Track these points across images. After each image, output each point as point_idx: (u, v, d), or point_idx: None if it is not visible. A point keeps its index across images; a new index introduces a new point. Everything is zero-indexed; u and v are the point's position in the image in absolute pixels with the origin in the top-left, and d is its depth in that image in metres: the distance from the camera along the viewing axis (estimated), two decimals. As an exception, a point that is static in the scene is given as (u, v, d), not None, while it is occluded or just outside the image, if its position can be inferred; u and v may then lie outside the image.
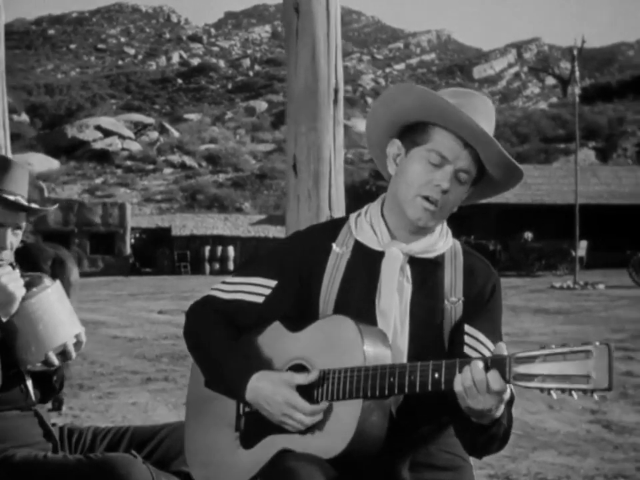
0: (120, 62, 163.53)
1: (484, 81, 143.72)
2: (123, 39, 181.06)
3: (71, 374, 8.71)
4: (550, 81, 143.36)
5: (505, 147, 2.33)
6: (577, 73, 26.19)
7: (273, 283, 2.21)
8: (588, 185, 35.75)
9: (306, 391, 2.04)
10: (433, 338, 2.14)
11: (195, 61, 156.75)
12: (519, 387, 1.84)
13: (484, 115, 2.09)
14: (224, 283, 2.29)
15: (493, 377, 1.82)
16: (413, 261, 2.17)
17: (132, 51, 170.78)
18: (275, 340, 2.18)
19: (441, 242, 2.20)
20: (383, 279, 2.14)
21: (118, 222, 38.52)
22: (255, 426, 2.12)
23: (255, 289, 2.22)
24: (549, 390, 1.77)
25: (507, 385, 1.84)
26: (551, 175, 38.07)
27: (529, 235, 31.71)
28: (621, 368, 8.77)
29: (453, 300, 2.16)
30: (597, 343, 1.72)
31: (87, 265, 37.16)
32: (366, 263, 2.17)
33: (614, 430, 6.23)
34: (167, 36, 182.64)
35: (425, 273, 2.17)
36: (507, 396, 1.88)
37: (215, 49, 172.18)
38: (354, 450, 1.96)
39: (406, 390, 1.94)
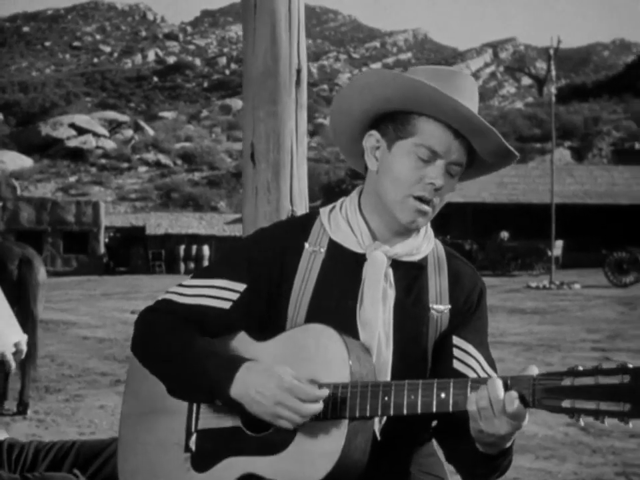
0: (95, 60, 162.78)
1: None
2: (98, 37, 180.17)
3: (38, 376, 8.45)
4: (526, 80, 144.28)
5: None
6: (553, 73, 26.26)
7: (241, 287, 1.94)
8: (563, 185, 35.87)
9: None
10: (418, 350, 1.93)
11: (171, 59, 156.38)
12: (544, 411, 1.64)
13: (471, 98, 1.87)
14: (181, 286, 2.00)
15: (510, 397, 1.60)
16: (396, 264, 1.94)
17: (107, 49, 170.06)
18: (239, 350, 1.91)
19: (425, 244, 1.99)
20: (366, 286, 1.90)
21: (92, 221, 38.20)
22: (209, 445, 1.86)
23: (221, 292, 1.94)
24: (578, 415, 1.56)
25: (526, 410, 1.62)
26: (527, 174, 38.14)
27: (504, 235, 31.69)
28: (597, 369, 8.68)
29: (440, 308, 1.94)
30: (631, 365, 1.52)
31: (60, 264, 36.85)
32: (344, 266, 1.92)
33: (592, 433, 6.13)
34: (143, 34, 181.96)
35: (409, 277, 1.94)
36: (525, 422, 1.65)
37: (191, 47, 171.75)
38: (335, 477, 1.70)
39: (404, 411, 1.70)
